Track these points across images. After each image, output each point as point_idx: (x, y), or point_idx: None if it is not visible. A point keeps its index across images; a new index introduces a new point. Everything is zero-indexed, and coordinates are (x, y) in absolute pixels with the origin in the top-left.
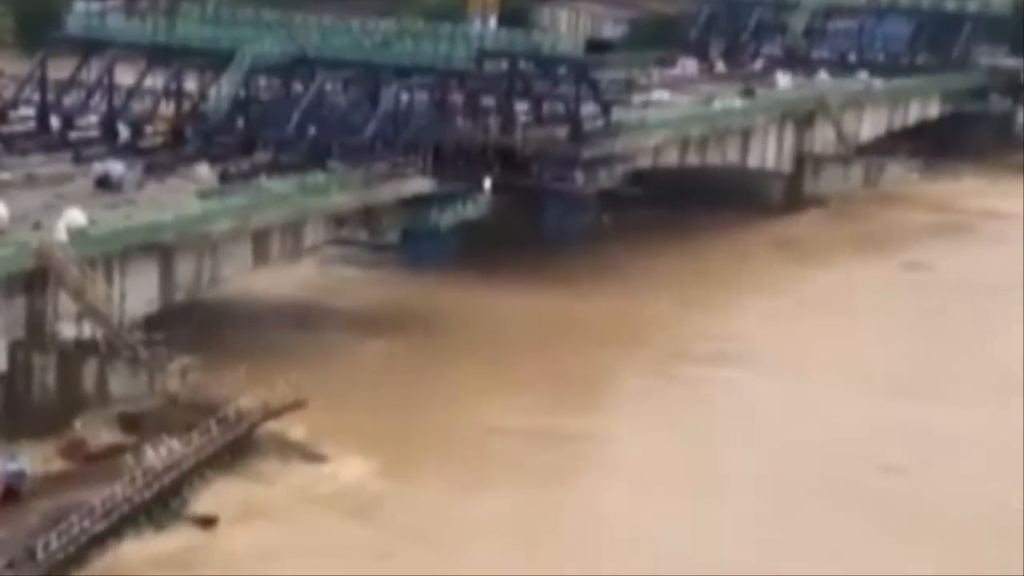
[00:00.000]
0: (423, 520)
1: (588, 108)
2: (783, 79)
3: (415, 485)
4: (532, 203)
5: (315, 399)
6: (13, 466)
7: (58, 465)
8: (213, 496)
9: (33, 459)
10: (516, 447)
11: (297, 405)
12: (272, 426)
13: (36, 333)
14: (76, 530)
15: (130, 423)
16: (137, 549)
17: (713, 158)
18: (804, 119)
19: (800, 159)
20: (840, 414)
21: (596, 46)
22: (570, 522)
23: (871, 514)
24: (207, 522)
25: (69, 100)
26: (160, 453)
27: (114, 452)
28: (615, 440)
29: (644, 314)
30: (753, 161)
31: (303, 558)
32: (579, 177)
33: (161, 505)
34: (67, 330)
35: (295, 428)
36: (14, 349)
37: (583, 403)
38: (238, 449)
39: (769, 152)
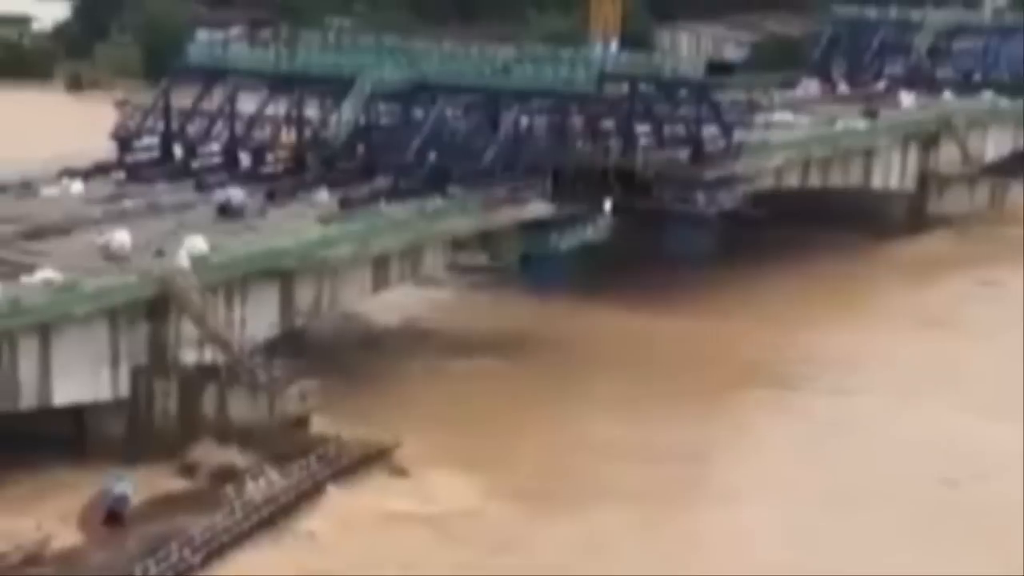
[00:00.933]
0: (524, 538)
1: (709, 130)
2: (907, 99)
3: (522, 505)
4: (653, 225)
5: (427, 422)
6: (118, 490)
7: (169, 487)
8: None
9: (141, 482)
10: (627, 466)
11: (392, 447)
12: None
13: (158, 359)
14: (175, 558)
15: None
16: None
17: (836, 179)
18: (928, 139)
19: (924, 179)
20: (950, 435)
21: (717, 68)
22: (680, 542)
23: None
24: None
25: (192, 128)
26: (260, 484)
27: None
28: (725, 458)
29: (761, 335)
30: (877, 182)
31: None
32: (700, 199)
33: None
34: (188, 356)
35: (405, 452)
36: (136, 375)
37: (695, 422)
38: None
39: (893, 172)
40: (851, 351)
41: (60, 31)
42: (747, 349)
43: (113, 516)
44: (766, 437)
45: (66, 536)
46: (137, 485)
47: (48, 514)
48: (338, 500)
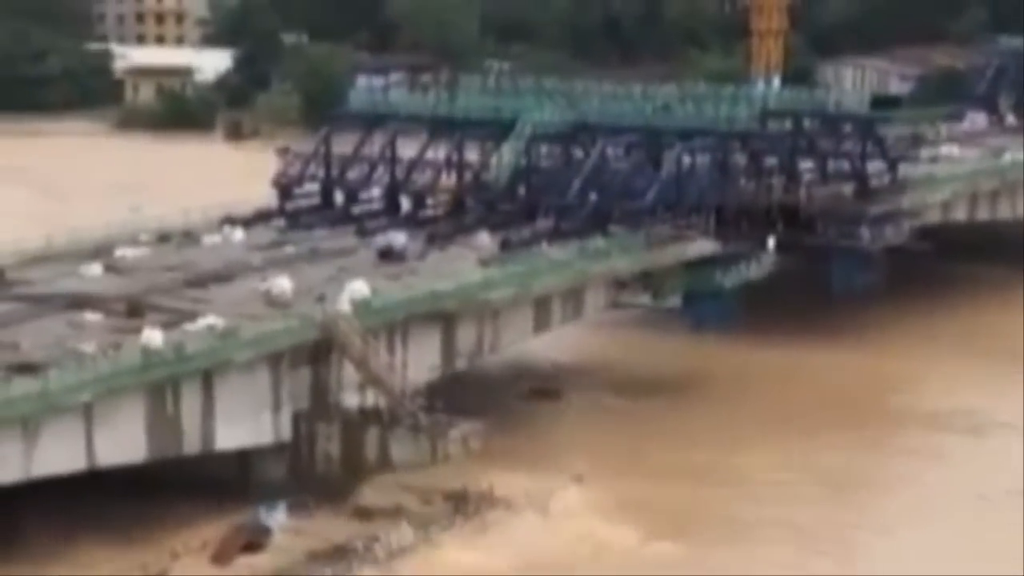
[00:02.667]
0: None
1: (874, 165)
2: None
3: (682, 545)
4: (818, 261)
5: (587, 463)
6: (263, 521)
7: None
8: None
9: (315, 525)
10: (791, 501)
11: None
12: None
13: (320, 403)
14: None
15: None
16: None
17: (1004, 212)
18: None
19: None
20: None
21: (882, 102)
22: None
23: None
24: None
25: (352, 174)
26: (392, 542)
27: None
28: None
29: (922, 372)
30: None
31: None
32: (865, 234)
33: None
34: (350, 399)
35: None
36: (298, 419)
37: (850, 462)
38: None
39: None
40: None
41: (222, 81)
42: (907, 389)
43: (251, 545)
44: (913, 475)
45: (197, 564)
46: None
47: (192, 545)
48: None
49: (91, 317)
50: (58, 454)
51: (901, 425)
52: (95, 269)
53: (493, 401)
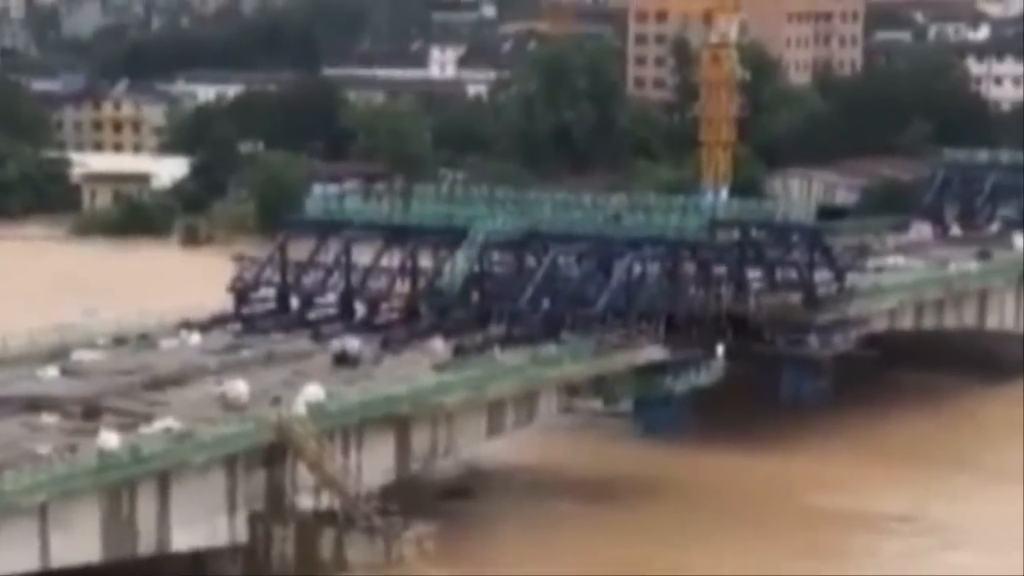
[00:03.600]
0: None
1: (822, 274)
2: (1020, 240)
3: None
4: (767, 369)
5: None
6: None
7: None
8: None
9: None
10: None
11: None
12: None
13: (275, 504)
14: None
15: None
16: None
17: (949, 321)
18: None
19: None
20: None
21: (829, 213)
22: None
23: None
24: None
25: (308, 280)
26: None
27: None
28: None
29: (864, 477)
30: (991, 323)
31: None
32: (813, 342)
33: None
34: (305, 501)
35: None
36: (254, 521)
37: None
38: None
39: (1008, 313)
40: (947, 506)
41: (179, 188)
42: (852, 496)
43: None
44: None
45: None
46: None
47: None
48: None
49: (47, 419)
50: (13, 554)
51: (841, 528)
52: (52, 372)
53: (448, 505)
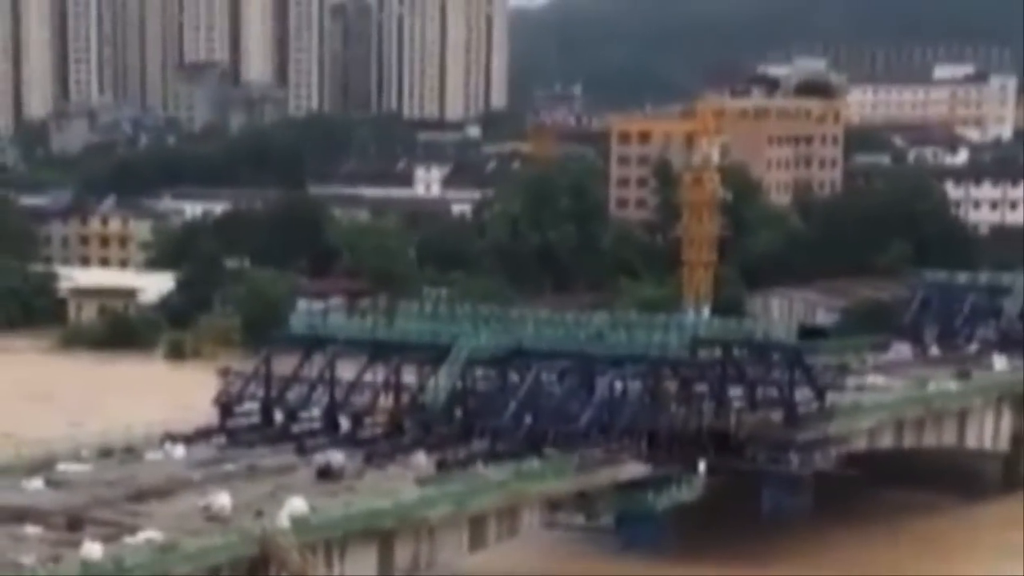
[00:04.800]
0: None
1: (802, 392)
2: (999, 361)
3: None
4: (747, 485)
5: None
6: None
7: None
8: None
9: None
10: None
11: None
12: None
13: None
14: None
15: None
16: None
17: (929, 440)
18: (1022, 400)
19: (1018, 440)
20: None
21: (809, 332)
22: None
23: None
24: None
25: (292, 394)
26: None
27: None
28: None
29: None
30: (971, 442)
31: None
32: (794, 459)
33: None
34: None
35: None
36: None
37: None
38: None
39: (986, 433)
40: None
41: (164, 302)
42: None
43: None
44: None
45: None
46: None
47: None
48: None
49: (31, 530)
50: None
51: None
52: (36, 483)
53: None
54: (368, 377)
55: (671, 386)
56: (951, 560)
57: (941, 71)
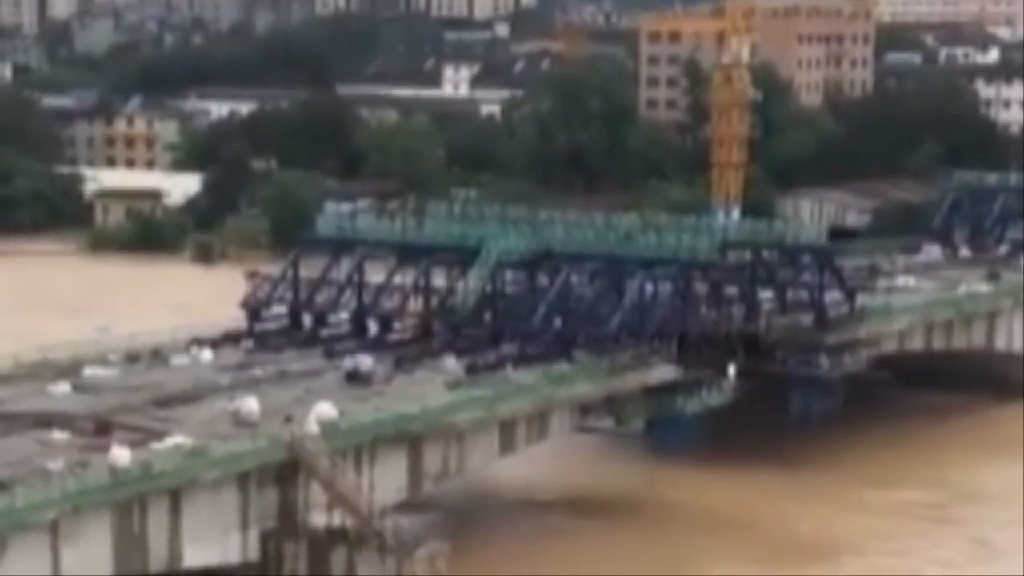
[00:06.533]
0: None
1: (832, 295)
2: None
3: None
4: (777, 389)
5: None
6: None
7: None
8: None
9: None
10: None
11: None
12: None
13: (287, 522)
14: None
15: None
16: None
17: (959, 342)
18: None
19: None
20: None
21: (839, 234)
22: None
23: None
24: None
25: (320, 298)
26: None
27: None
28: None
29: (873, 502)
30: (1000, 344)
31: None
32: (824, 362)
33: None
34: (317, 519)
35: None
36: (266, 538)
37: None
38: None
39: (1016, 335)
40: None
41: (191, 204)
42: (861, 517)
43: None
44: None
45: None
46: None
47: None
48: None
49: (59, 435)
50: (24, 570)
51: (846, 549)
52: (64, 388)
53: (461, 523)
54: (397, 280)
55: (701, 289)
56: (979, 462)
57: None
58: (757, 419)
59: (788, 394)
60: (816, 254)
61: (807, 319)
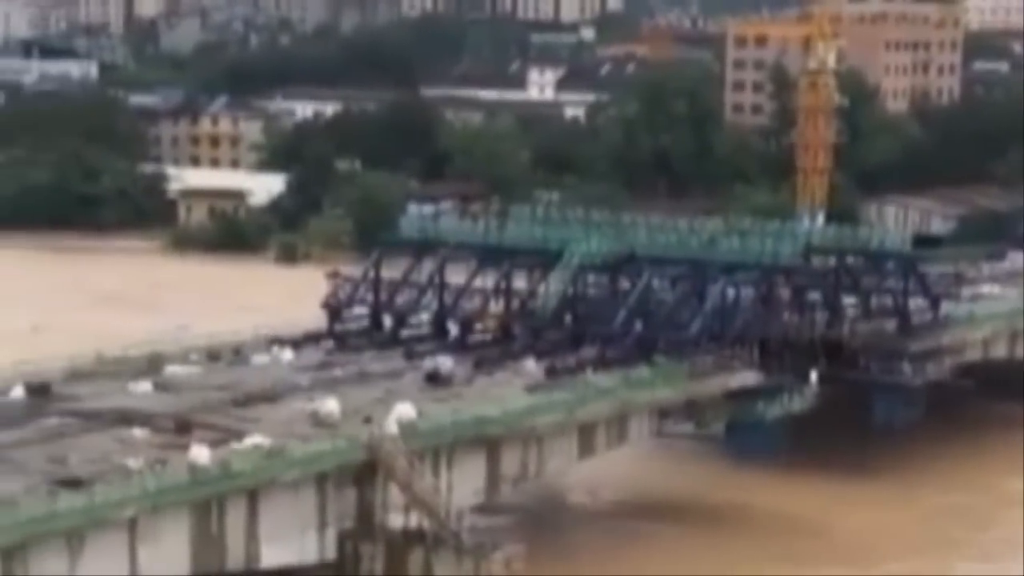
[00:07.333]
0: None
1: (916, 302)
2: None
3: None
4: (860, 396)
5: None
6: None
7: None
8: None
9: None
10: None
11: None
12: None
13: (365, 523)
14: None
15: None
16: None
17: None
18: None
19: None
20: None
21: (924, 241)
22: None
23: None
24: None
25: (401, 299)
26: None
27: None
28: None
29: (958, 509)
30: None
31: None
32: (907, 370)
33: None
34: (395, 520)
35: None
36: (343, 538)
37: None
38: None
39: None
40: None
41: (275, 204)
42: (940, 527)
43: None
44: None
45: None
46: None
47: None
48: None
49: (139, 433)
50: (101, 567)
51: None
52: (144, 386)
53: (538, 525)
54: (478, 282)
55: (784, 294)
56: None
57: None
58: (838, 425)
59: (870, 401)
60: (901, 260)
61: (891, 326)
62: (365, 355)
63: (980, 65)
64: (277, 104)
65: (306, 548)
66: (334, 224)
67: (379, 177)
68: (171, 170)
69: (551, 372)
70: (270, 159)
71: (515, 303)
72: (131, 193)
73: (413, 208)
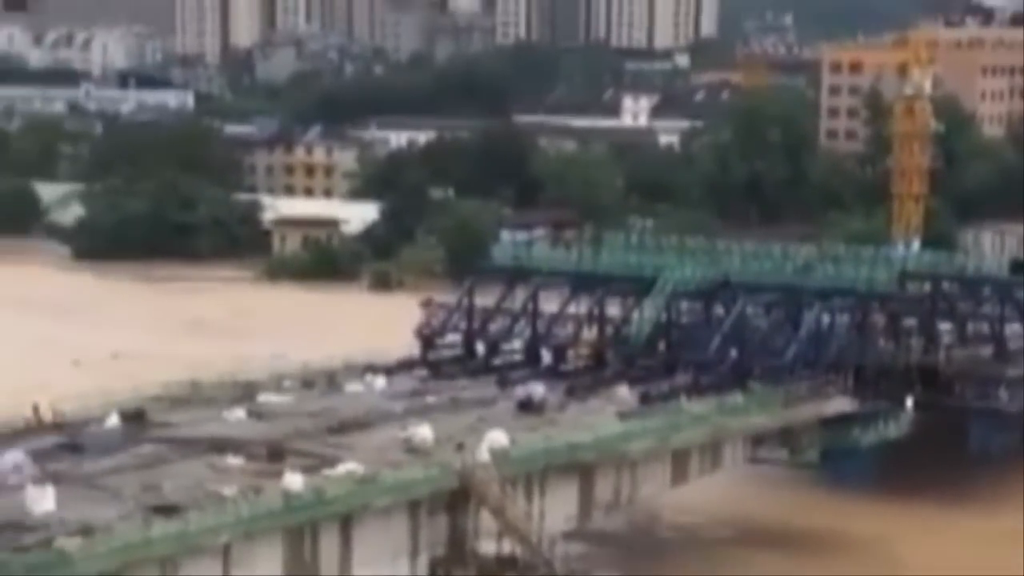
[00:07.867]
0: None
1: (1013, 328)
2: None
3: None
4: (955, 423)
5: None
6: None
7: None
8: None
9: None
10: None
11: None
12: None
13: (457, 549)
14: None
15: None
16: None
17: None
18: None
19: None
20: None
21: (1021, 267)
22: None
23: None
24: None
25: (494, 326)
26: None
27: None
28: None
29: None
30: None
31: None
32: (1003, 396)
33: None
34: (487, 547)
35: None
36: (435, 565)
37: None
38: None
39: None
40: None
41: (368, 233)
42: None
43: None
44: None
45: None
46: None
47: None
48: None
49: (233, 461)
50: None
51: None
52: (238, 413)
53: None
54: (571, 309)
55: (879, 320)
56: None
57: None
58: (934, 453)
59: (966, 428)
60: (997, 286)
61: (987, 352)
62: (458, 382)
63: None
64: (371, 133)
65: (399, 574)
66: (427, 252)
67: (472, 205)
68: (266, 199)
69: (644, 399)
70: (364, 188)
71: (608, 330)
72: (226, 222)
73: (506, 236)
